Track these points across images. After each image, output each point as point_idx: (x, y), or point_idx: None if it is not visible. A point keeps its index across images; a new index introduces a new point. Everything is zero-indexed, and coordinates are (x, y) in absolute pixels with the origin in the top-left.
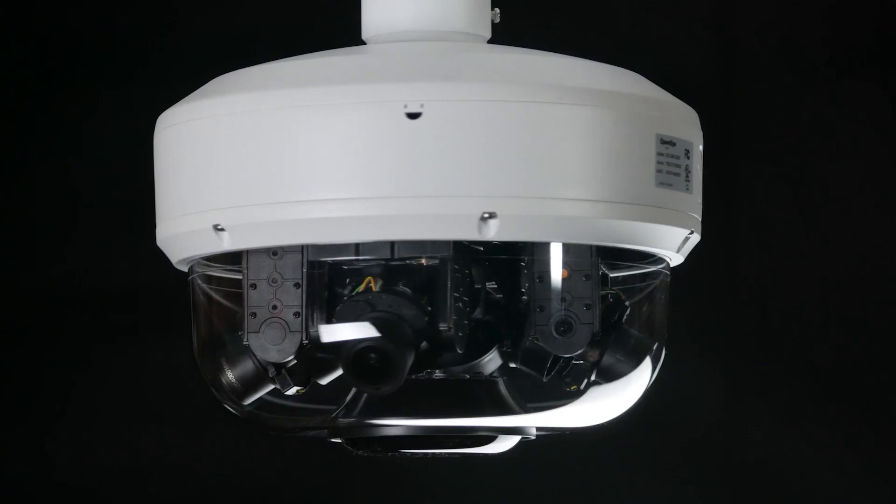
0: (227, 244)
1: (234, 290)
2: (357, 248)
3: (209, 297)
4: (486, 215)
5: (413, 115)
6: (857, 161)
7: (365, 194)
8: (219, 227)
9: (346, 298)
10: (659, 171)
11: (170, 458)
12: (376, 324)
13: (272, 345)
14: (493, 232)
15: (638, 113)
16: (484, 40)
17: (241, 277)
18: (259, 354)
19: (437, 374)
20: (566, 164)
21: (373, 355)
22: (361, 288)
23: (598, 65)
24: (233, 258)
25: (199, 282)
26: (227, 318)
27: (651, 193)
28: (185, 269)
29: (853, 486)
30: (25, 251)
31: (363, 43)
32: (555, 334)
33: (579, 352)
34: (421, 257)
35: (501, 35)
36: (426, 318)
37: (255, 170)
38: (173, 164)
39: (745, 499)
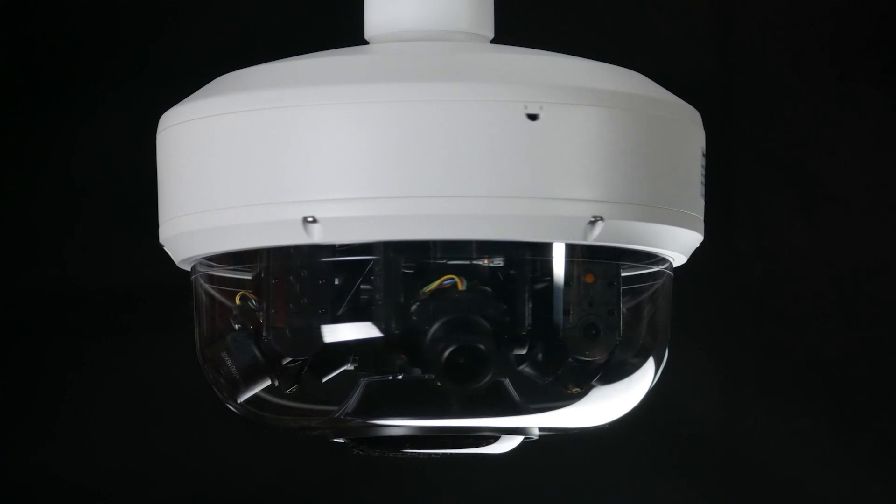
0: (317, 237)
1: (238, 290)
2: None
3: (212, 297)
4: (594, 219)
5: (532, 117)
6: (857, 161)
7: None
8: (309, 219)
9: (423, 296)
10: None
11: (170, 458)
12: (468, 323)
13: (296, 341)
14: (595, 235)
15: (688, 122)
16: (487, 40)
17: (242, 277)
18: (280, 351)
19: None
20: (642, 171)
21: (466, 355)
22: (435, 286)
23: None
24: (234, 258)
25: (202, 281)
26: (230, 317)
27: (696, 200)
28: (187, 268)
29: (853, 486)
30: (25, 251)
31: (366, 42)
32: (582, 338)
33: (602, 356)
34: (483, 258)
35: (498, 34)
36: (508, 319)
37: (279, 168)
38: (180, 162)
39: (745, 499)
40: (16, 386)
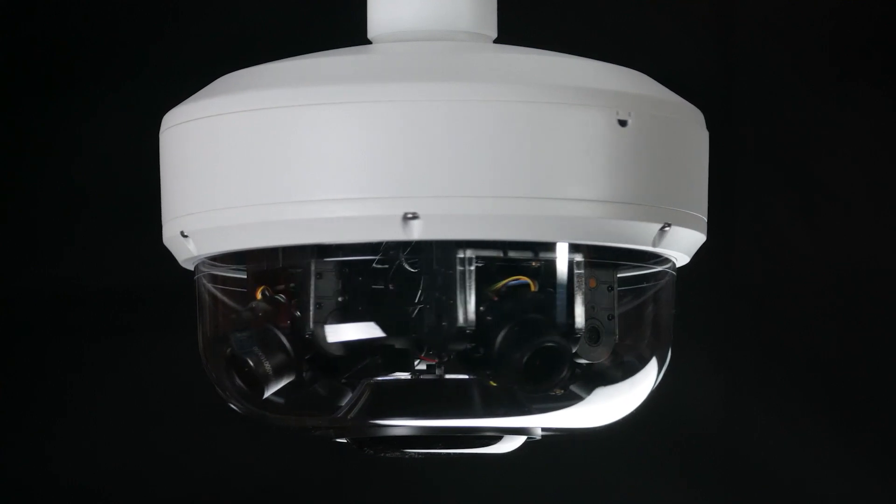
0: (417, 233)
1: (240, 290)
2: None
3: (215, 297)
4: (665, 227)
5: (622, 123)
6: (858, 161)
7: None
8: (410, 215)
9: (492, 295)
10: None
11: (170, 458)
12: (546, 325)
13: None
14: (662, 242)
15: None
16: (490, 40)
17: (242, 276)
18: (322, 346)
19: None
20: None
21: (546, 355)
22: (500, 285)
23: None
24: (238, 258)
25: (205, 281)
26: (233, 316)
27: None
28: (190, 267)
29: (853, 486)
30: (25, 251)
31: (368, 42)
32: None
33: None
34: (532, 260)
35: (499, 34)
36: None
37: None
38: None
39: (745, 499)
40: (16, 386)
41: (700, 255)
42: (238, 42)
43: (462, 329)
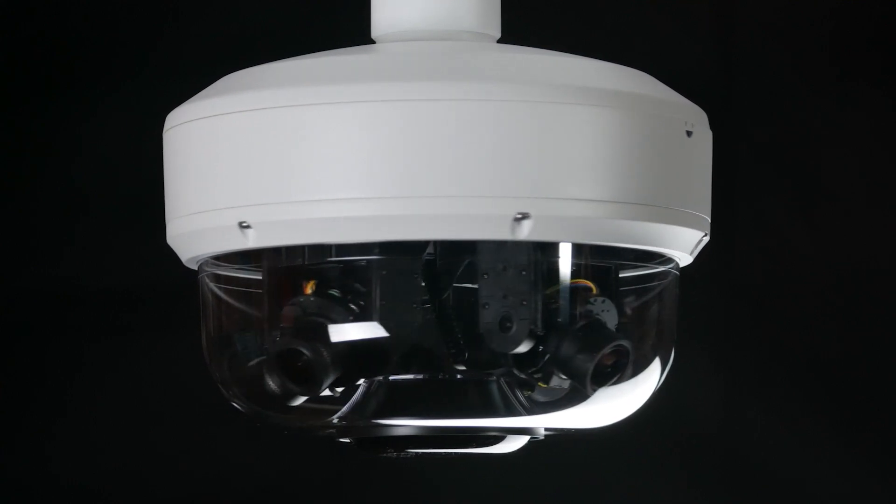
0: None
1: (244, 290)
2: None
3: (218, 297)
4: (705, 235)
5: (689, 133)
6: (858, 161)
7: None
8: (520, 215)
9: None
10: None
11: (170, 458)
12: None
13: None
14: (696, 252)
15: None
16: (494, 40)
17: (247, 276)
18: (393, 344)
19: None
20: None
21: (614, 358)
22: (556, 288)
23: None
24: (242, 257)
25: (208, 280)
26: (237, 316)
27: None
28: (194, 267)
29: (853, 486)
30: (25, 251)
31: (372, 41)
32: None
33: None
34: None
35: (502, 34)
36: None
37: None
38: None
39: (745, 499)
40: (16, 386)
41: (700, 255)
42: (238, 42)
43: (533, 331)
